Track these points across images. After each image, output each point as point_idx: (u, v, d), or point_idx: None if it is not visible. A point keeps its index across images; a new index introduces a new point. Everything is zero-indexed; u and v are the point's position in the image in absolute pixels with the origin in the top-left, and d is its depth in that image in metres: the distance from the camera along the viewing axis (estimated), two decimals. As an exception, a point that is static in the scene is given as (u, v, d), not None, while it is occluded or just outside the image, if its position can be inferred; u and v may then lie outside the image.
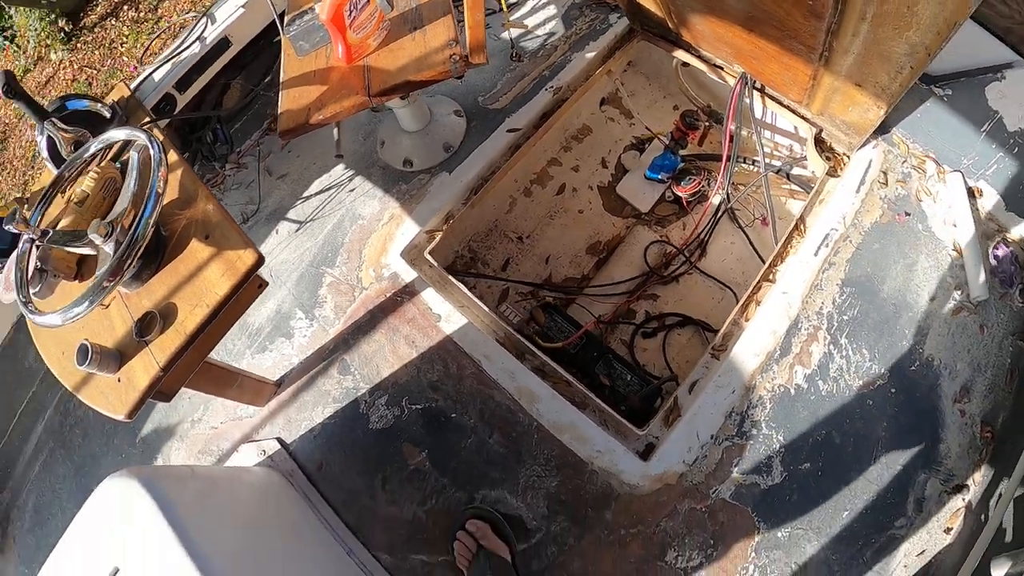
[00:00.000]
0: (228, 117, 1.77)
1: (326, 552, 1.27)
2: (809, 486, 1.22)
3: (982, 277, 1.31)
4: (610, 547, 1.24)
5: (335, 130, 1.47)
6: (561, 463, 1.29)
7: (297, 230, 1.57)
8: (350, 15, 1.20)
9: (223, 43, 1.64)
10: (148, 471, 1.07)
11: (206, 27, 1.63)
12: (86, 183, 1.10)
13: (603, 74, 1.69)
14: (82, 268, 1.15)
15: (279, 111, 1.29)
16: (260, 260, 1.05)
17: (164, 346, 1.04)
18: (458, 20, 1.31)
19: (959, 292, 1.34)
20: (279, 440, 1.39)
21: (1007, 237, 1.39)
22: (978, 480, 1.22)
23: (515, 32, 1.78)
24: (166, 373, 1.05)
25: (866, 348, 1.29)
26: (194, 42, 1.60)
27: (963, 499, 1.21)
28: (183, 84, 1.60)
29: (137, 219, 0.96)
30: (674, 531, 1.22)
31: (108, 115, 1.32)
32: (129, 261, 0.96)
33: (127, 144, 1.16)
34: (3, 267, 1.32)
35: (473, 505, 1.27)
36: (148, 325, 1.08)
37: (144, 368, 1.05)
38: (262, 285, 1.15)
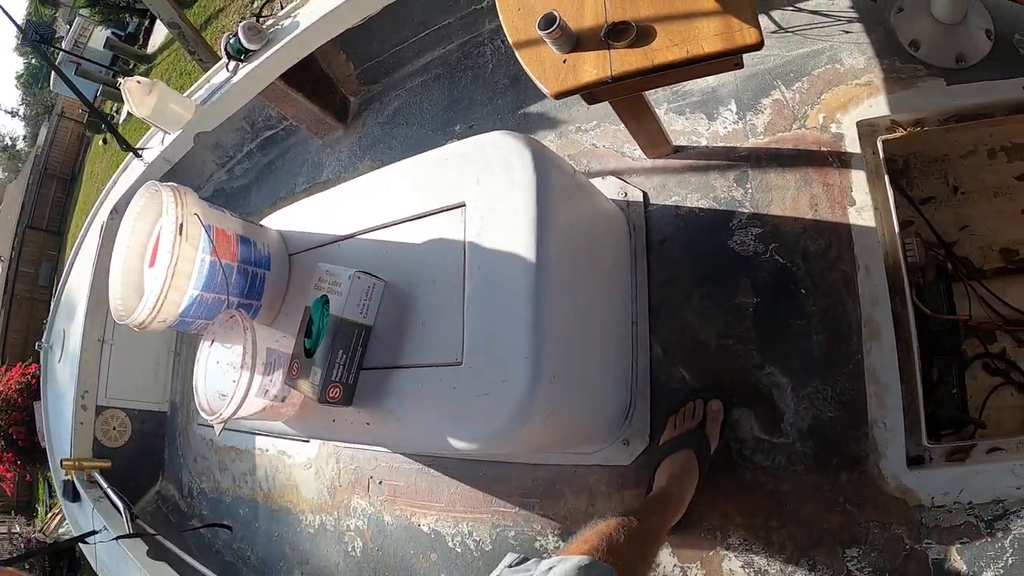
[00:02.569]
0: None
1: (616, 309, 1.44)
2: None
3: None
4: (820, 501, 1.28)
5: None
6: (849, 404, 1.30)
7: (774, 31, 1.56)
8: None
9: None
10: (542, 148, 1.23)
11: None
12: None
13: None
14: None
15: None
16: (759, 45, 1.03)
17: (626, 61, 1.10)
18: None
19: None
20: (644, 195, 1.53)
21: None
22: None
23: None
24: (612, 83, 1.13)
25: None
26: None
27: None
28: None
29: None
30: (874, 540, 1.23)
31: None
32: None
33: None
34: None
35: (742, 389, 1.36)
36: (620, 33, 1.12)
37: (595, 66, 1.12)
38: (738, 64, 1.16)
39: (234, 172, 2.54)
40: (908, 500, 1.23)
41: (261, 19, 2.03)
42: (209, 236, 1.42)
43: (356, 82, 2.21)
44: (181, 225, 1.38)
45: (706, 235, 1.46)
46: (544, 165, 1.19)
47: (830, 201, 1.41)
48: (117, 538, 2.01)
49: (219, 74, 2.14)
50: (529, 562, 0.84)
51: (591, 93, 1.22)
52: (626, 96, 1.29)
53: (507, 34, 1.26)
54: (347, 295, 1.26)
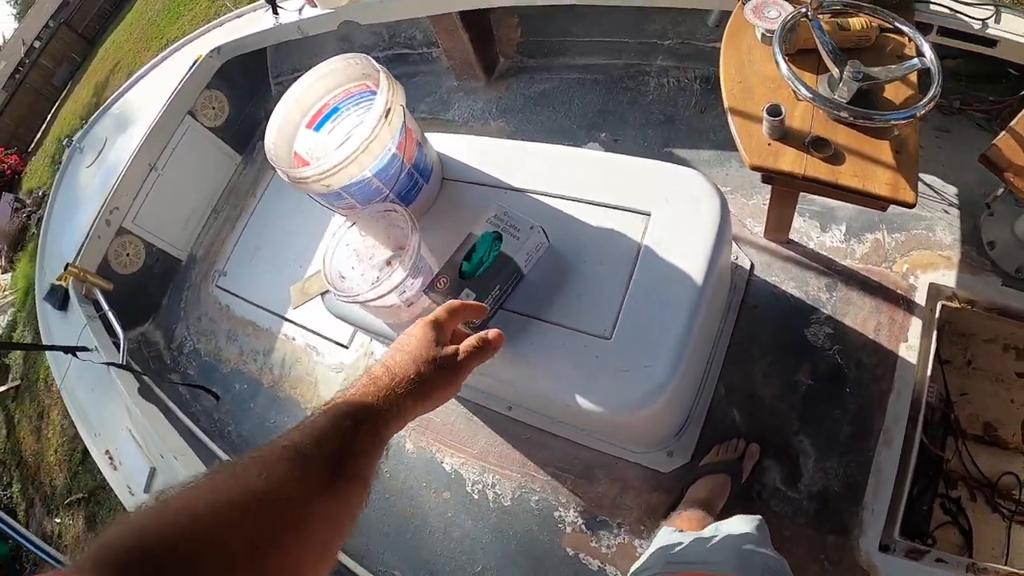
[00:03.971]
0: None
1: (704, 344, 1.84)
2: None
3: None
4: (808, 552, 1.71)
5: (1000, 189, 1.91)
6: (852, 486, 1.75)
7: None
8: None
9: (991, 42, 1.89)
10: (725, 198, 1.63)
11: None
12: (855, 21, 1.61)
13: None
14: (796, 55, 1.64)
15: (995, 142, 1.68)
16: (912, 206, 1.45)
17: (816, 168, 1.50)
18: None
19: None
20: (752, 265, 1.95)
21: None
22: None
23: None
24: (802, 181, 1.54)
25: None
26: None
27: None
28: (945, 32, 1.89)
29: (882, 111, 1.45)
30: None
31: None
32: (859, 114, 1.44)
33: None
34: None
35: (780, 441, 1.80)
36: (821, 146, 1.52)
37: (793, 161, 1.52)
38: (884, 208, 1.62)
39: (348, 69, 2.75)
40: (871, 574, 1.69)
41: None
42: (402, 130, 1.69)
43: (514, 48, 2.53)
44: (389, 110, 1.62)
45: (790, 317, 1.90)
46: (726, 213, 1.57)
47: (890, 332, 1.88)
48: (109, 364, 2.15)
49: (393, -23, 2.37)
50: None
51: (778, 185, 1.64)
52: (792, 189, 1.72)
53: (724, 99, 1.64)
54: (524, 242, 1.58)
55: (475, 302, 0.82)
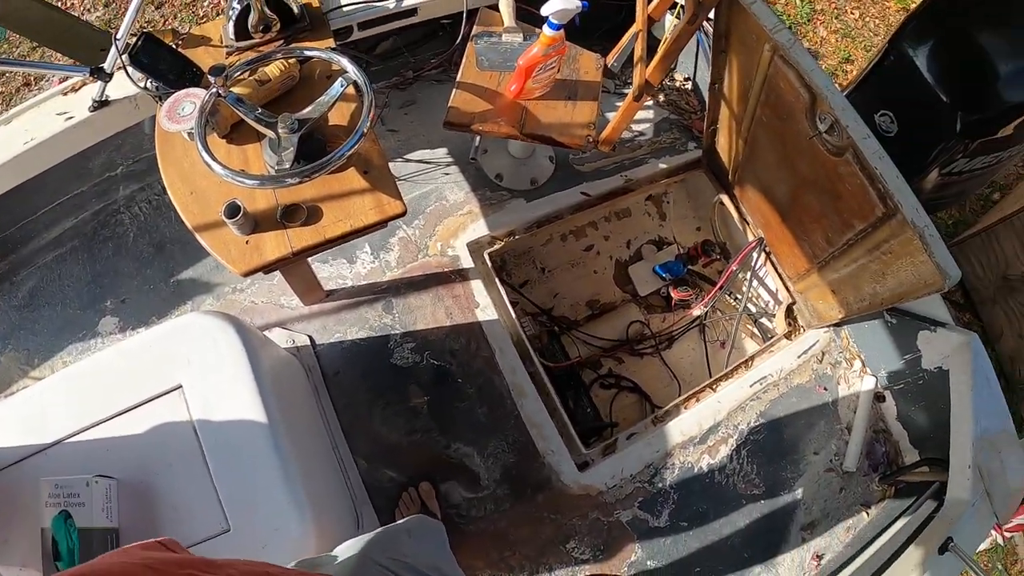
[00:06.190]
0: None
1: (317, 441, 2.27)
2: (680, 539, 2.36)
3: (857, 455, 2.53)
4: (532, 522, 2.29)
5: (478, 138, 2.60)
6: (522, 447, 2.35)
7: (387, 181, 2.67)
8: (538, 72, 2.26)
9: (411, 11, 2.53)
10: (237, 320, 2.00)
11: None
12: (272, 68, 1.88)
13: (663, 183, 2.98)
14: (233, 132, 1.89)
15: (450, 103, 2.23)
16: (404, 213, 1.87)
17: (301, 237, 1.82)
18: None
19: (836, 458, 2.56)
20: (311, 338, 2.43)
21: (888, 438, 2.69)
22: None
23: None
24: (295, 258, 1.85)
25: (756, 464, 2.48)
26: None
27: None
28: (365, 25, 2.48)
29: (329, 149, 1.73)
30: (579, 529, 2.30)
31: (296, 14, 2.08)
32: (307, 173, 1.66)
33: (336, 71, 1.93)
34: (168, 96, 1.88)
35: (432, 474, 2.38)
36: (292, 214, 1.83)
37: (276, 245, 1.81)
38: (383, 226, 2.07)
39: None
40: (590, 493, 2.30)
41: None
42: None
43: (-24, 261, 2.57)
44: None
45: (371, 359, 2.38)
46: (245, 335, 1.88)
47: (460, 308, 2.48)
48: None
49: None
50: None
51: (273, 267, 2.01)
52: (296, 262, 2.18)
53: (184, 219, 1.83)
54: (91, 503, 1.84)
55: None
